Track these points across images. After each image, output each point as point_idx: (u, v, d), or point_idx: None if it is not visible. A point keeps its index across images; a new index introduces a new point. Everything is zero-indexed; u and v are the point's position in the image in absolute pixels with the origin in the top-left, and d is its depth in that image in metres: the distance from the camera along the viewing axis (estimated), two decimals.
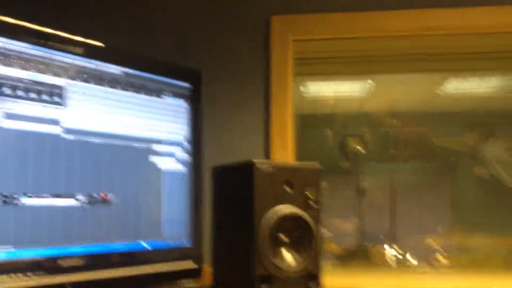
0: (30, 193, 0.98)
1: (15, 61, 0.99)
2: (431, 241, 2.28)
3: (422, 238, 2.34)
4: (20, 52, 0.99)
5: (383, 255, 2.11)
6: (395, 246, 2.16)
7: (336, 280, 1.64)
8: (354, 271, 1.96)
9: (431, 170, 2.80)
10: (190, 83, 1.32)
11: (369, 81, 2.57)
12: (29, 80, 1.00)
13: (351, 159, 2.37)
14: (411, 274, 1.95)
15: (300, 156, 1.79)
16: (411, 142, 2.62)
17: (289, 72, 1.78)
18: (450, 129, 2.77)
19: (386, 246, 2.15)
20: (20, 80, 0.99)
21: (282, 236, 1.28)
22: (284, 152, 1.75)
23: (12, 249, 0.95)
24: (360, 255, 2.08)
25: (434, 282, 1.71)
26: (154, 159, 1.22)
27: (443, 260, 2.08)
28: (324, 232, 1.35)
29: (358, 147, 2.34)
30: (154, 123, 1.23)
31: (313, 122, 2.54)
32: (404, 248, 2.19)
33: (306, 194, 1.31)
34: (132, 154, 1.17)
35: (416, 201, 2.61)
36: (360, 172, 2.33)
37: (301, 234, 1.29)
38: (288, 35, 1.79)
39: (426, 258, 2.15)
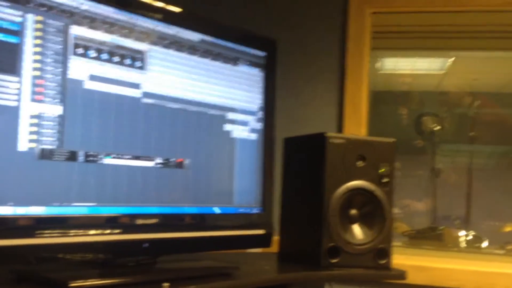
0: (112, 153, 1.02)
1: (100, 24, 1.02)
2: (508, 227, 2.18)
3: (497, 223, 2.25)
4: (105, 16, 1.03)
5: (456, 237, 2.04)
6: (468, 230, 2.09)
7: (405, 259, 1.61)
8: (424, 251, 1.91)
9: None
10: (266, 52, 1.31)
11: (449, 58, 2.46)
12: (113, 44, 1.04)
13: (426, 138, 2.29)
14: (484, 259, 1.88)
15: (372, 133, 1.76)
16: (491, 124, 2.50)
17: (366, 46, 1.74)
18: None
19: (459, 228, 2.08)
20: (104, 43, 1.02)
21: (352, 211, 1.27)
22: (357, 127, 1.72)
23: (94, 205, 1.00)
24: (431, 236, 2.02)
25: (507, 268, 1.64)
26: (228, 127, 1.23)
27: None
28: (395, 210, 1.32)
29: (435, 127, 2.25)
30: (229, 91, 1.24)
31: (387, 99, 2.48)
32: (477, 232, 2.12)
33: (379, 169, 1.29)
34: (207, 120, 1.19)
35: (493, 186, 2.49)
36: (435, 152, 2.26)
37: (372, 210, 1.28)
38: (366, 7, 1.74)
39: (500, 244, 2.07)
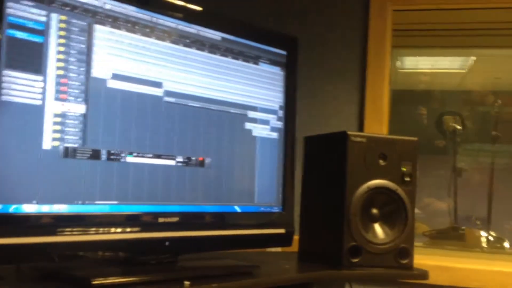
0: (134, 151, 1.03)
1: (123, 24, 1.03)
2: None
3: None
4: (127, 16, 1.03)
5: (477, 238, 2.01)
6: (490, 230, 2.06)
7: (427, 259, 1.59)
8: (445, 251, 1.89)
9: None
10: (287, 50, 1.31)
11: (471, 57, 2.43)
12: (135, 43, 1.04)
13: (447, 138, 2.26)
14: (506, 259, 1.85)
15: (392, 133, 1.74)
16: None
17: (387, 43, 1.73)
18: None
19: (480, 229, 2.05)
20: (126, 42, 1.03)
21: (374, 210, 1.26)
22: (378, 126, 1.71)
23: (116, 204, 1.00)
24: (452, 236, 2.00)
25: None
26: (248, 125, 1.23)
27: None
28: (415, 211, 1.30)
29: (456, 126, 2.22)
30: (250, 90, 1.24)
31: (407, 98, 2.45)
32: (500, 233, 2.08)
33: (401, 168, 1.28)
34: (228, 119, 1.19)
35: None
36: (457, 152, 2.23)
37: (394, 209, 1.26)
38: (387, 5, 1.73)
39: None
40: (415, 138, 1.31)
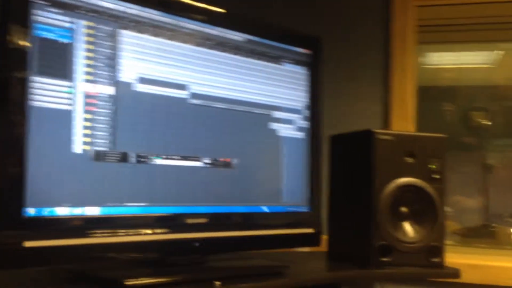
0: (161, 154, 1.04)
1: (147, 28, 1.04)
2: None
3: None
4: (151, 20, 1.04)
5: (509, 235, 1.97)
6: None
7: (458, 258, 1.57)
8: (476, 250, 1.86)
9: None
10: (310, 49, 1.31)
11: (498, 51, 2.38)
12: (160, 46, 1.05)
13: (475, 134, 2.22)
14: None
15: (419, 130, 1.72)
16: None
17: (411, 40, 1.71)
18: None
19: (511, 226, 2.01)
20: (151, 46, 1.04)
21: (403, 209, 1.25)
22: (404, 124, 1.69)
23: (145, 205, 1.01)
24: (483, 234, 1.96)
25: None
26: (274, 125, 1.23)
27: None
28: (446, 209, 1.28)
29: (484, 122, 2.18)
30: (274, 90, 1.24)
31: (432, 95, 2.42)
32: None
33: (429, 166, 1.26)
34: (253, 120, 1.20)
35: None
36: (485, 148, 2.19)
37: (423, 207, 1.25)
38: (410, 0, 1.71)
39: None
40: (443, 135, 1.30)
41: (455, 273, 1.25)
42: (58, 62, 0.92)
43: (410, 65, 1.70)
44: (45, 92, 0.90)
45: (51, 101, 0.91)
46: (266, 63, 1.23)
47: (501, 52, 2.35)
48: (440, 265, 1.24)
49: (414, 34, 1.72)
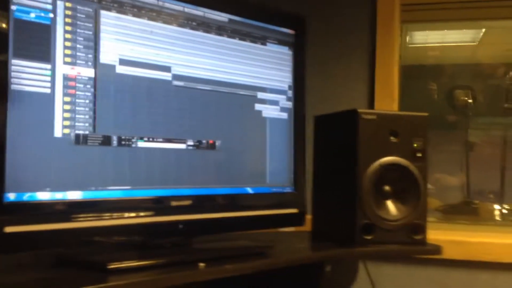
0: (144, 136, 1.03)
1: (129, 9, 1.02)
2: None
3: None
4: (133, 0, 1.03)
5: (491, 211, 2.01)
6: (503, 204, 2.05)
7: (440, 234, 1.59)
8: (459, 226, 1.89)
9: None
10: (295, 29, 1.30)
11: (481, 29, 2.38)
12: (142, 28, 1.04)
13: (459, 112, 2.24)
14: None
15: (402, 109, 1.73)
16: None
17: (396, 19, 1.70)
18: None
19: (493, 202, 2.05)
20: (133, 27, 1.03)
21: (386, 187, 1.26)
22: (389, 103, 1.70)
23: (129, 189, 1.01)
24: (465, 211, 2.00)
25: None
26: (258, 106, 1.23)
27: None
28: (428, 186, 1.30)
29: (468, 100, 2.20)
30: (259, 70, 1.23)
31: (417, 74, 2.42)
32: None
33: (412, 145, 1.27)
34: (238, 101, 1.19)
35: None
36: (468, 126, 2.21)
37: (406, 186, 1.26)
38: None
39: None
40: (426, 114, 1.30)
41: (437, 249, 1.27)
42: (38, 44, 0.90)
43: (394, 44, 1.70)
44: (24, 75, 0.88)
45: (31, 84, 0.89)
46: (250, 43, 1.22)
47: (484, 30, 2.36)
48: (423, 242, 1.26)
49: (398, 13, 1.71)
